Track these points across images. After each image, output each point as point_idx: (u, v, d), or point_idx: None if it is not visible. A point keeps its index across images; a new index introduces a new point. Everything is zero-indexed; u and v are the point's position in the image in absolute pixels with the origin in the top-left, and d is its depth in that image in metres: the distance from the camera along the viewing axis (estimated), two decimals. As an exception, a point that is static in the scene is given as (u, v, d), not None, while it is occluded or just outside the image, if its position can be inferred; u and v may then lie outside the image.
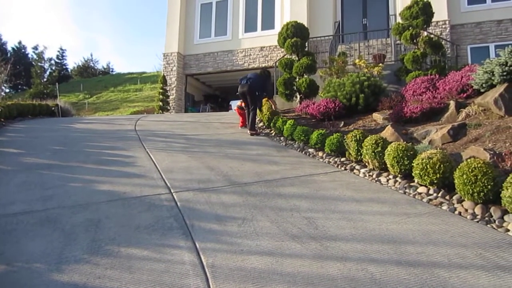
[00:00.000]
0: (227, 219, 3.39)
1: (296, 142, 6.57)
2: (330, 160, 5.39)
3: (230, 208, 3.65)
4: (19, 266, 2.69)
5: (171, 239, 3.04)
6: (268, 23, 15.57)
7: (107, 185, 4.40)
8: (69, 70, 39.59)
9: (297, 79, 10.00)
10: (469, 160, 3.41)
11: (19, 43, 35.08)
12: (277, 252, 2.75)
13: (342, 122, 7.15)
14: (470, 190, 3.26)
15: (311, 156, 5.82)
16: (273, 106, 8.46)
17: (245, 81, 7.74)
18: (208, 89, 20.86)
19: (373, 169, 4.66)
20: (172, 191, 4.15)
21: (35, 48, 31.50)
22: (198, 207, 3.68)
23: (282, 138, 7.07)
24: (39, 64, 28.89)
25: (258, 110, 8.03)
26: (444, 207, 3.40)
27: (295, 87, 10.00)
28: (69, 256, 2.81)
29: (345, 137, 5.38)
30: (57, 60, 37.99)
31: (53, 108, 12.91)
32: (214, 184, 4.38)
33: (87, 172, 4.96)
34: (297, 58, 10.28)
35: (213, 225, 3.29)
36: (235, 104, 9.55)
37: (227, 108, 18.74)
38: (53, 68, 35.37)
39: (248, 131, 7.59)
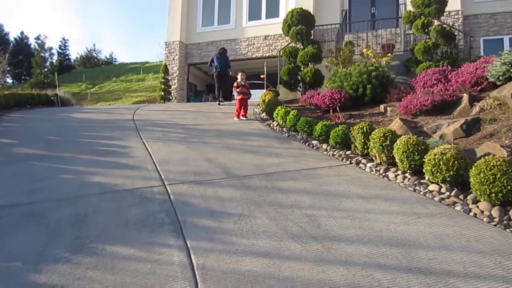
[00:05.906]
0: (223, 215, 3.16)
1: (299, 134, 6.30)
2: (335, 153, 5.13)
3: (227, 203, 3.42)
4: (-5, 265, 2.48)
5: (160, 236, 2.82)
6: (273, 11, 15.15)
7: (98, 177, 4.18)
8: (72, 60, 39.19)
9: (302, 69, 9.68)
10: (487, 157, 3.12)
11: (21, 33, 34.35)
12: (275, 253, 2.52)
13: (348, 114, 6.86)
14: (488, 190, 2.98)
15: (314, 148, 5.55)
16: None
17: (218, 69, 10.12)
18: (211, 79, 20.53)
19: (381, 164, 4.40)
20: (166, 183, 3.92)
21: (37, 38, 31.06)
22: (192, 201, 3.46)
23: (284, 129, 6.80)
24: (40, 54, 28.44)
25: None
26: (458, 207, 3.13)
27: (299, 77, 9.70)
28: (49, 254, 2.60)
29: (351, 129, 5.10)
30: (59, 50, 37.57)
31: (52, 98, 12.70)
32: (211, 177, 4.15)
33: (80, 163, 4.76)
34: (302, 47, 9.95)
35: (207, 221, 3.06)
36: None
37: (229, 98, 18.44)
38: (55, 58, 34.95)
39: (223, 101, 10.22)
